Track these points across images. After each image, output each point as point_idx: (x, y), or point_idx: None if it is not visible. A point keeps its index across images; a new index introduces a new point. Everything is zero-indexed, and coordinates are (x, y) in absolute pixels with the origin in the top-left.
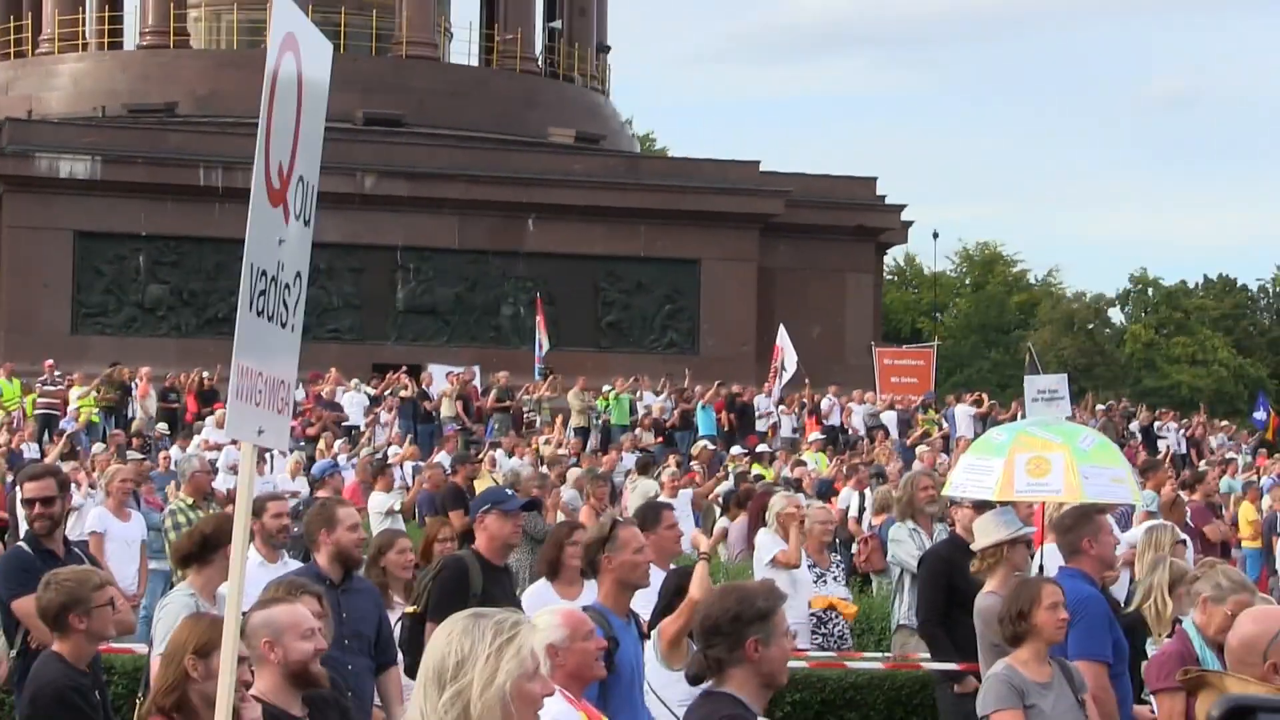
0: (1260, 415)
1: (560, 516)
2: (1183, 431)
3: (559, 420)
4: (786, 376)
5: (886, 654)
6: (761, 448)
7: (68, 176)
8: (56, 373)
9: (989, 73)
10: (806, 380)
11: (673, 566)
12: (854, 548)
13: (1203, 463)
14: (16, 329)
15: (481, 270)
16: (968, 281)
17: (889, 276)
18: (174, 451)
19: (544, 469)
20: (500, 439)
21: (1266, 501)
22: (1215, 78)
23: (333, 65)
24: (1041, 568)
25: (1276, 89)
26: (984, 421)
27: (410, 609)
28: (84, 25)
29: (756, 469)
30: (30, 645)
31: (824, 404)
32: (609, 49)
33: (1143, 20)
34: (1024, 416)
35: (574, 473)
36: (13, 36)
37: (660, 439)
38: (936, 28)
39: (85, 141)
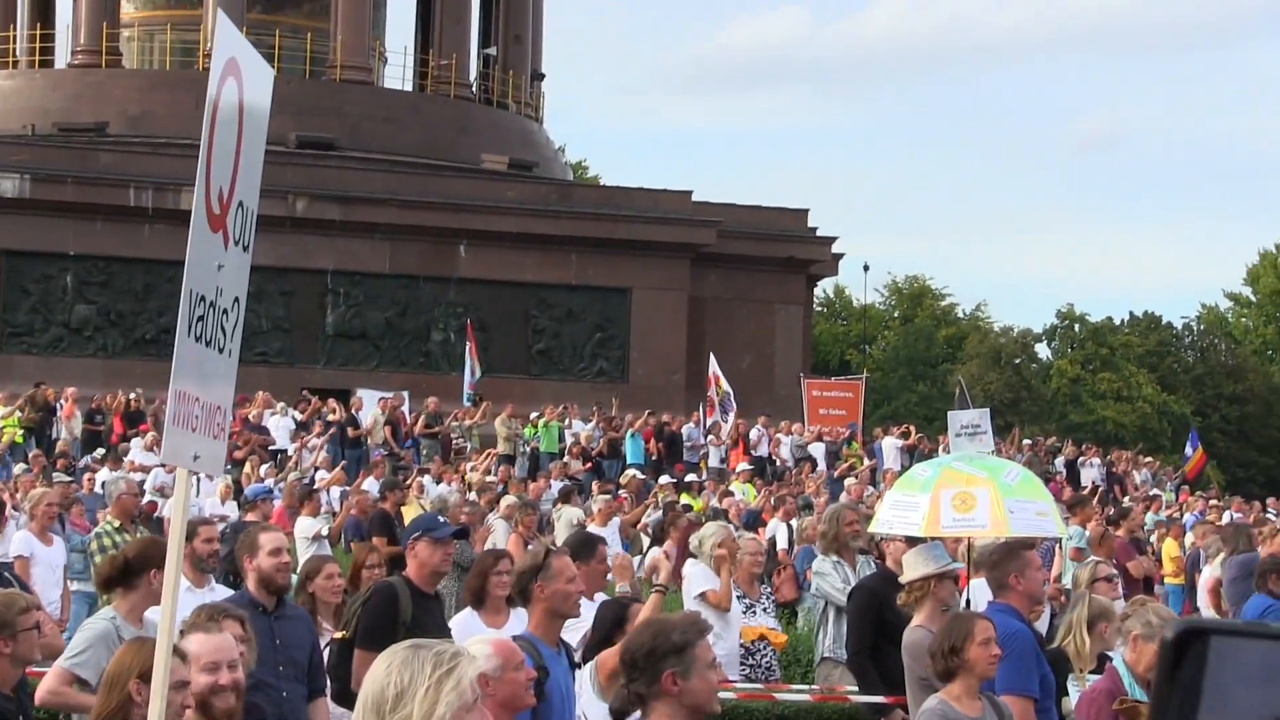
0: (1189, 452)
1: (489, 544)
2: (1107, 467)
3: (491, 451)
4: (731, 415)
5: (814, 686)
6: (690, 477)
7: None
8: None
9: (919, 109)
10: (734, 408)
11: (605, 598)
12: (772, 578)
13: (1126, 499)
14: None
15: (412, 295)
16: (896, 314)
17: (819, 308)
18: (102, 474)
19: (473, 496)
20: (428, 465)
21: (1189, 538)
22: (1138, 119)
23: None
24: (969, 602)
25: (1196, 130)
26: (911, 454)
27: (339, 635)
28: (14, 43)
29: (685, 498)
30: None
31: (753, 434)
32: (543, 77)
33: (1068, 62)
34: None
35: (506, 500)
36: None
37: (589, 465)
38: (869, 64)
39: (14, 160)
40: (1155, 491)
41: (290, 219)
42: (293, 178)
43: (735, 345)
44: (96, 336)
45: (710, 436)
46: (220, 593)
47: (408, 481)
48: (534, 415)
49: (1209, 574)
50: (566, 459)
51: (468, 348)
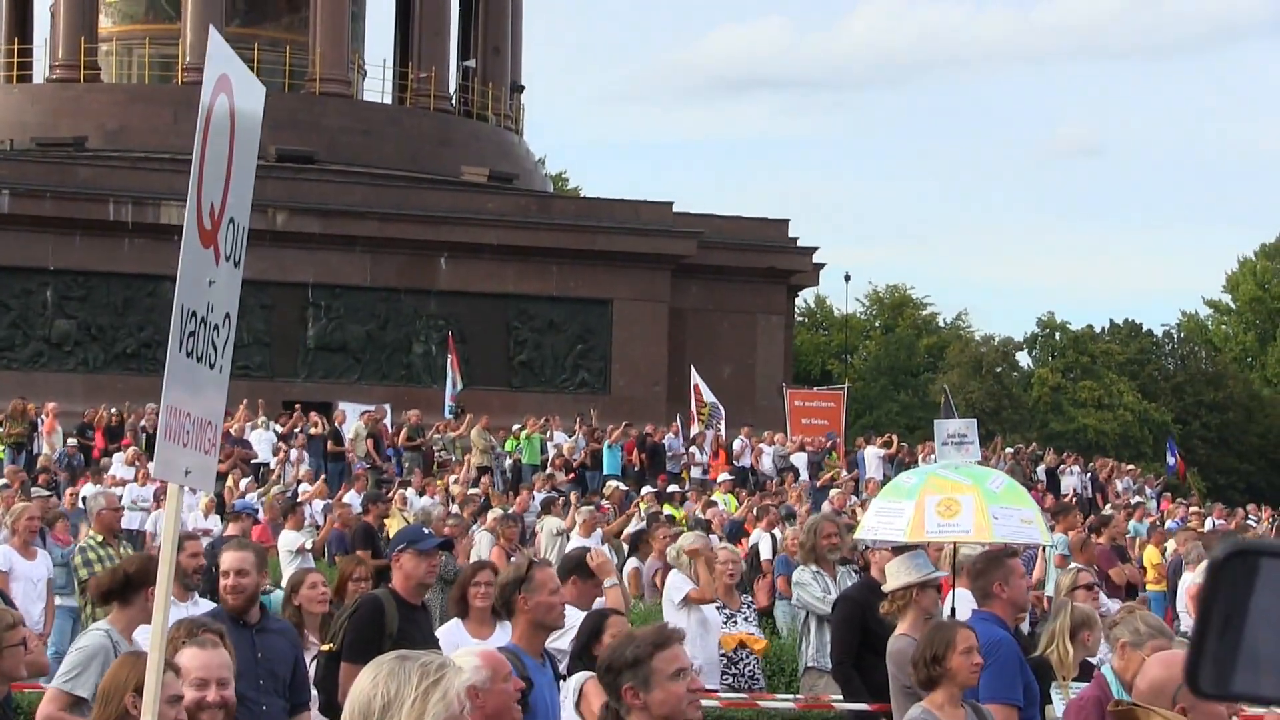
0: (1171, 461)
1: (474, 556)
2: (1088, 475)
3: (469, 459)
4: (721, 421)
5: (799, 695)
6: (672, 488)
7: None
8: None
9: (901, 118)
10: (723, 419)
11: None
12: (753, 587)
13: (1108, 506)
14: None
15: (393, 308)
16: (878, 324)
17: (800, 318)
18: (85, 489)
19: (456, 508)
20: (410, 478)
21: (1171, 545)
22: (1118, 127)
23: None
24: (953, 611)
25: (1176, 138)
26: (893, 463)
27: (326, 647)
28: None
29: (667, 509)
30: None
31: (735, 444)
32: (523, 88)
33: (1047, 71)
34: (934, 460)
35: (493, 514)
36: None
37: (571, 476)
38: (850, 73)
39: None
40: (1138, 499)
41: (270, 232)
42: (272, 191)
43: (716, 356)
44: (77, 351)
45: (693, 448)
46: (203, 606)
47: (390, 494)
48: (515, 427)
49: (1190, 580)
50: (550, 470)
51: (449, 360)
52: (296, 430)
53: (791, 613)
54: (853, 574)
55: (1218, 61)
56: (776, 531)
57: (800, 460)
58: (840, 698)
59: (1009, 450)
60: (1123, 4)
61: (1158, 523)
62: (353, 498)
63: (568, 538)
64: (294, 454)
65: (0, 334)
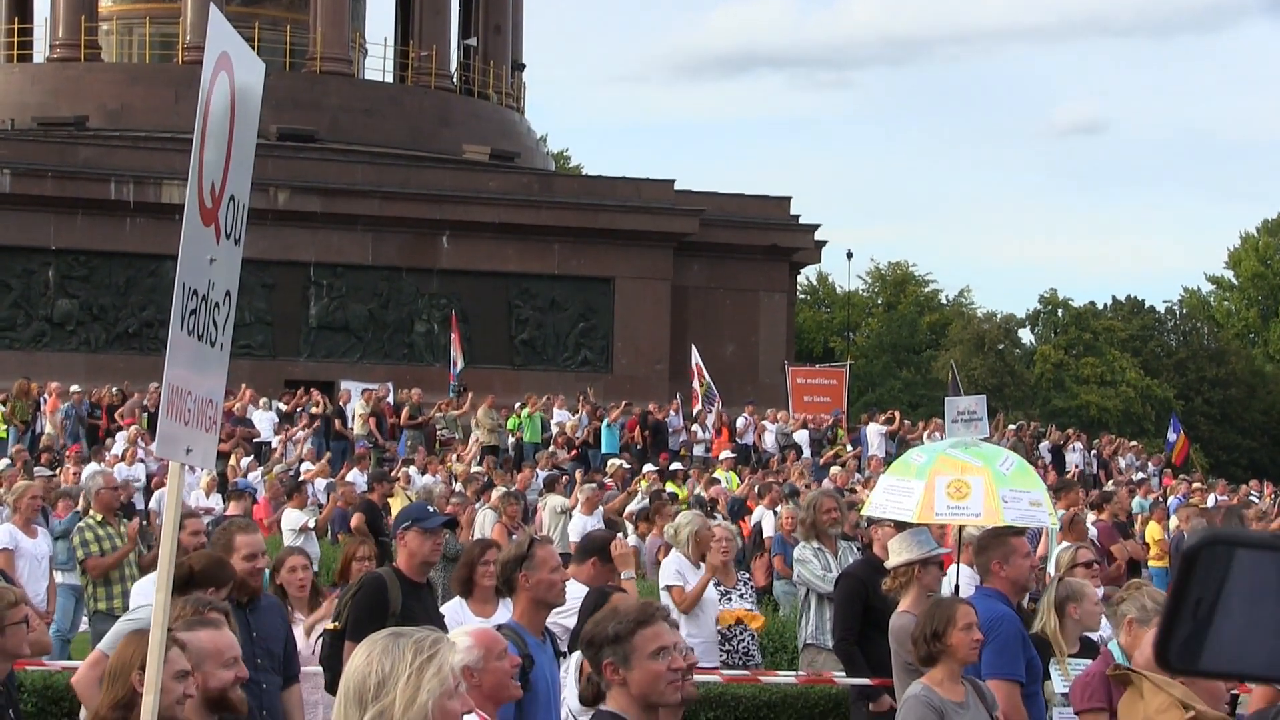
0: (1172, 437)
1: (476, 534)
2: (1091, 452)
3: (475, 438)
4: (715, 407)
5: (800, 672)
6: (675, 465)
7: None
8: None
9: (902, 96)
10: (719, 400)
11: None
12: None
13: (1110, 483)
14: None
15: (394, 287)
16: (880, 301)
17: (802, 296)
18: (89, 468)
19: (459, 486)
20: (413, 456)
21: (1173, 521)
22: (1122, 104)
23: None
24: (956, 588)
25: (1180, 115)
26: (895, 440)
27: (331, 626)
28: None
29: (670, 487)
30: None
31: (739, 422)
32: (524, 67)
33: (1049, 49)
34: (942, 437)
35: (497, 492)
36: None
37: (574, 452)
38: (851, 51)
39: None
40: (1141, 475)
41: (272, 211)
42: (274, 170)
43: (718, 334)
44: (79, 331)
45: (695, 426)
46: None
47: (393, 473)
48: (517, 405)
49: None
50: (552, 448)
51: (452, 339)
52: (300, 409)
53: (790, 590)
54: (854, 550)
55: (1219, 38)
56: (779, 508)
57: (802, 438)
58: (842, 674)
59: (1011, 427)
60: None
61: (1160, 499)
62: (355, 476)
63: (570, 516)
64: (297, 433)
65: (2, 314)
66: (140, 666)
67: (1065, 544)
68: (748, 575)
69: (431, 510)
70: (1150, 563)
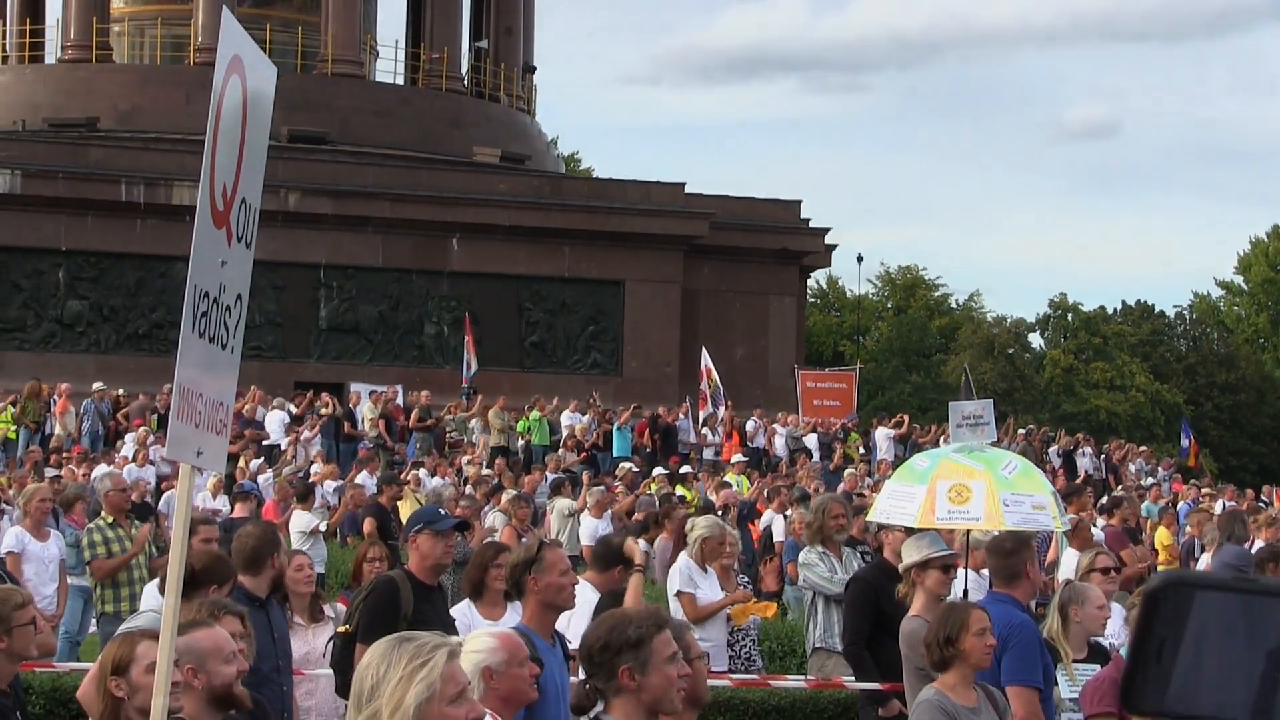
0: (1185, 443)
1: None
2: (1101, 457)
3: (483, 440)
4: (721, 409)
5: (809, 676)
6: (684, 469)
7: None
8: None
9: (913, 99)
10: (729, 402)
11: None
12: (759, 568)
13: (1119, 488)
14: None
15: (405, 289)
16: (890, 305)
17: (812, 300)
18: (99, 469)
19: (469, 489)
20: (423, 459)
21: (1188, 527)
22: (1133, 108)
23: None
24: (965, 593)
25: (1191, 119)
26: (904, 443)
27: (342, 629)
28: (4, 38)
29: (680, 490)
30: None
31: (749, 425)
32: (535, 69)
33: (1060, 52)
34: (948, 441)
35: (507, 495)
36: None
37: (583, 455)
38: (862, 54)
39: (5, 155)
40: (1151, 480)
41: (282, 213)
42: (284, 172)
43: (728, 337)
44: (89, 332)
45: (705, 429)
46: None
47: (403, 476)
48: (526, 408)
49: (1205, 563)
50: (561, 451)
51: (465, 342)
52: (309, 411)
53: (795, 594)
54: (859, 555)
55: (1231, 42)
56: (789, 512)
57: (812, 441)
58: (851, 678)
59: (1021, 432)
60: None
61: (1170, 504)
62: (365, 479)
63: (578, 519)
64: (305, 435)
65: (13, 315)
66: (112, 670)
67: (1090, 550)
68: (746, 579)
69: (444, 513)
70: (1159, 568)
